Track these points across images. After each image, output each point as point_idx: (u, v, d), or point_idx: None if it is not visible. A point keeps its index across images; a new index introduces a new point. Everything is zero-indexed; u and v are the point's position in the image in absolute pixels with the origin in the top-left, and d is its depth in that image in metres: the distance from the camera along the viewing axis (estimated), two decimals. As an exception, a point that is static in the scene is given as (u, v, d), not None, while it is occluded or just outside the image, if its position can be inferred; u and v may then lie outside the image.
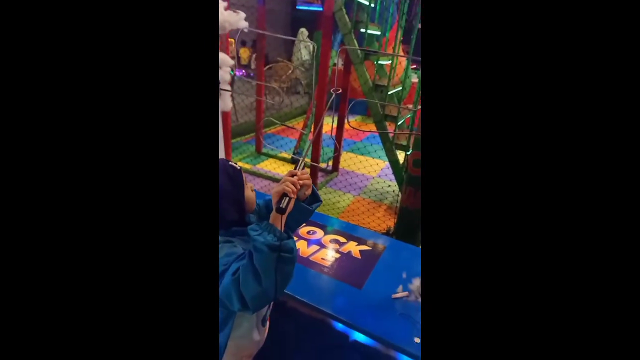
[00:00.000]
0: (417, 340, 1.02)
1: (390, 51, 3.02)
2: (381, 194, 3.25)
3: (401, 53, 3.47)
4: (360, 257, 1.41)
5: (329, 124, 3.19)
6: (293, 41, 8.53)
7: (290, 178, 0.74)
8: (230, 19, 1.64)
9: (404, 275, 1.30)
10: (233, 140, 4.08)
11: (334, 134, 3.26)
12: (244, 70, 7.63)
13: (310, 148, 0.99)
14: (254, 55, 7.59)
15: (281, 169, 3.68)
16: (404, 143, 2.78)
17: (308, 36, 6.73)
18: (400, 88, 3.06)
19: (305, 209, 0.82)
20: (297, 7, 4.77)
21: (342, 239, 1.52)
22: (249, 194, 0.90)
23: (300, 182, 0.75)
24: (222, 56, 1.69)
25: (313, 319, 1.17)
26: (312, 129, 1.75)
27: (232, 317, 0.85)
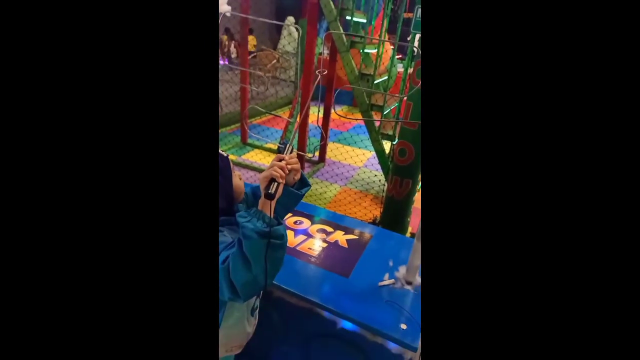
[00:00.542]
0: (404, 326, 1.04)
1: (376, 40, 2.99)
2: (367, 183, 3.26)
3: (388, 41, 3.45)
4: (347, 246, 1.41)
5: (314, 113, 3.16)
6: (278, 30, 8.37)
7: (279, 163, 0.72)
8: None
9: (391, 263, 1.31)
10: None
11: (319, 123, 3.23)
12: (227, 59, 7.46)
13: (297, 136, 0.98)
14: (232, 43, 7.41)
15: (267, 160, 3.64)
16: (390, 133, 2.78)
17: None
18: (386, 77, 3.05)
19: (295, 193, 0.81)
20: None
21: (329, 229, 1.51)
22: (238, 182, 0.88)
23: (289, 166, 0.73)
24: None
25: (300, 309, 1.17)
26: (298, 119, 1.73)
27: (223, 307, 0.84)
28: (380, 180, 3.06)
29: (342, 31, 2.74)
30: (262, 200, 0.70)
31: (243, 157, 3.75)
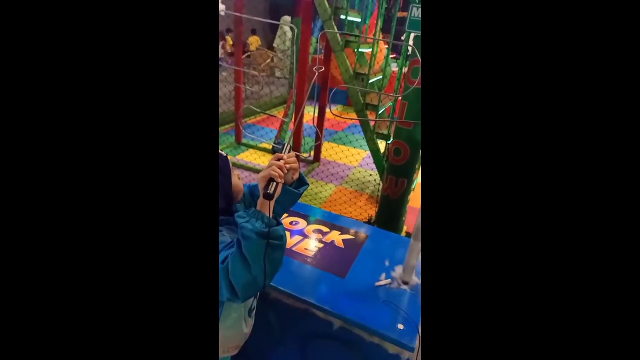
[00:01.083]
0: (401, 326, 1.04)
1: (370, 39, 2.99)
2: (362, 183, 3.27)
3: (382, 40, 3.45)
4: (343, 247, 1.41)
5: (310, 113, 3.15)
6: (272, 29, 8.34)
7: (277, 162, 0.71)
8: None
9: (387, 263, 1.30)
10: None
11: (314, 123, 3.22)
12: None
13: (292, 137, 0.97)
14: (220, 43, 7.36)
15: (262, 160, 3.62)
16: (385, 132, 2.79)
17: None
18: (381, 77, 3.05)
19: (293, 192, 0.80)
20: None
21: (325, 229, 1.51)
22: (236, 182, 0.87)
23: (287, 165, 0.72)
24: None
25: (297, 309, 1.16)
26: (293, 119, 1.72)
27: (221, 308, 0.83)
28: (375, 180, 3.06)
29: (336, 30, 2.73)
30: (260, 200, 0.69)
31: (237, 157, 3.73)
